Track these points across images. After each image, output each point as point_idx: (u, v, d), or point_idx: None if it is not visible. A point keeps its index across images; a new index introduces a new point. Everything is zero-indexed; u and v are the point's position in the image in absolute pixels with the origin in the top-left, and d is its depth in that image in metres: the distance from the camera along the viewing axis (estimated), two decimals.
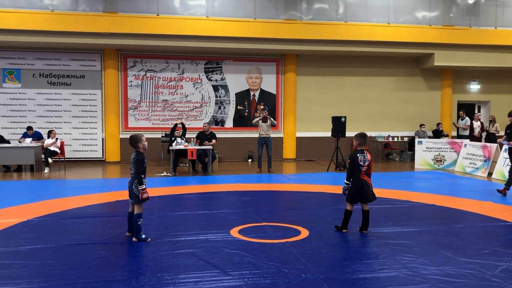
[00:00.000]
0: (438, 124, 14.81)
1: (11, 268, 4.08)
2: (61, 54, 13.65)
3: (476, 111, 16.62)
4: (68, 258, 4.38)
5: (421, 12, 14.50)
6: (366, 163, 5.24)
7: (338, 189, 8.68)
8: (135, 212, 4.96)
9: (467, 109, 15.66)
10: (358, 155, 5.24)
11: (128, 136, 5.11)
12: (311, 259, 4.34)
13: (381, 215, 6.28)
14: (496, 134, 13.80)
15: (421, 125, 14.96)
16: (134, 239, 4.99)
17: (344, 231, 5.36)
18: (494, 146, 11.00)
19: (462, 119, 14.72)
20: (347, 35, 13.71)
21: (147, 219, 5.93)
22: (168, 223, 5.86)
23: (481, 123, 14.31)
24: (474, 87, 16.16)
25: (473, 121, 14.31)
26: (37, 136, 12.36)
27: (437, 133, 14.79)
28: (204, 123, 12.39)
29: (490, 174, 10.79)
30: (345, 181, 5.35)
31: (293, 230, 5.48)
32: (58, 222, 5.94)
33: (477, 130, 14.38)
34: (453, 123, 15.20)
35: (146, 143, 5.08)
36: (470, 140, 12.69)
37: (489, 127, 14.11)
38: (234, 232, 5.37)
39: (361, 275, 3.95)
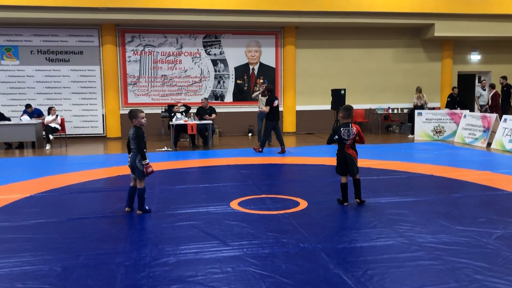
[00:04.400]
0: (453, 89, 14.05)
1: (16, 242, 4.17)
2: (58, 30, 13.53)
3: (476, 81, 16.52)
4: (71, 232, 4.47)
5: None
6: (351, 137, 5.21)
7: None
8: (138, 187, 5.03)
9: (467, 80, 15.50)
10: (341, 128, 5.21)
11: (128, 112, 5.08)
12: (309, 229, 4.42)
13: (379, 186, 6.34)
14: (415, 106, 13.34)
15: None
16: (138, 211, 5.08)
17: (345, 204, 5.31)
18: (493, 116, 11.00)
19: (484, 89, 13.73)
20: (347, 6, 13.52)
21: (149, 193, 5.99)
22: (169, 197, 5.94)
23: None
24: (475, 57, 16.03)
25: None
26: (37, 113, 12.37)
27: (453, 99, 13.83)
28: (202, 99, 12.28)
29: (489, 144, 10.82)
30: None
31: (292, 202, 5.55)
32: (61, 197, 6.02)
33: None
34: (476, 96, 14.18)
35: (143, 120, 5.03)
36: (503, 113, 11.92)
37: (417, 101, 13.60)
38: (234, 205, 5.44)
39: (358, 244, 4.02)
